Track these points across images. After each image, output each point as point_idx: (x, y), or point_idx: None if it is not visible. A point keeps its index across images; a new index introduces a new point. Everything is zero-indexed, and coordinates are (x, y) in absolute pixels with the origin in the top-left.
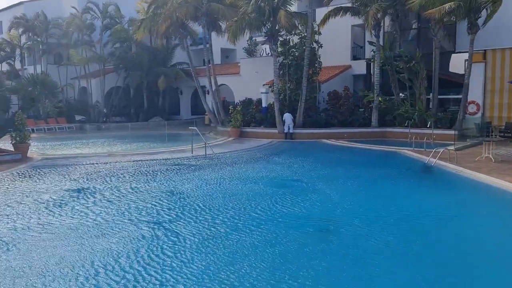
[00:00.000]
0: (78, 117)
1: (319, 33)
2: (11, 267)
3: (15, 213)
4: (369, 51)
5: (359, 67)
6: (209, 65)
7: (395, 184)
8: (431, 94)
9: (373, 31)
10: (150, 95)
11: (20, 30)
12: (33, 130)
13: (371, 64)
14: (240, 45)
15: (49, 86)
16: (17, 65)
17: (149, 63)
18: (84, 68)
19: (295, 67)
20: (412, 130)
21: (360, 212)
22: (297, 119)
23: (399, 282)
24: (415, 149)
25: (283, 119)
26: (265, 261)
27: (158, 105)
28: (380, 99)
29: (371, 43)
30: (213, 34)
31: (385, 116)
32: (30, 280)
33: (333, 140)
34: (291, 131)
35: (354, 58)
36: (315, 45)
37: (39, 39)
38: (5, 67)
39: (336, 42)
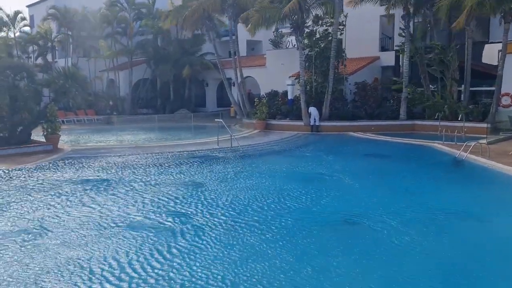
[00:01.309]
0: (106, 108)
1: (344, 25)
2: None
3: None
4: (398, 42)
5: (388, 59)
6: (235, 57)
7: (424, 179)
8: (462, 86)
9: (402, 21)
10: (177, 87)
11: (52, 23)
12: (63, 121)
13: (400, 55)
14: (266, 37)
15: (79, 79)
16: (48, 58)
17: (176, 55)
18: (112, 60)
19: (322, 58)
20: (442, 123)
21: (390, 208)
22: (323, 112)
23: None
24: (445, 142)
25: (309, 111)
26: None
27: (184, 97)
28: (409, 90)
29: (401, 33)
30: (239, 26)
31: (414, 109)
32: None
33: (360, 133)
34: (317, 123)
35: (383, 49)
36: (341, 32)
37: (69, 33)
38: (38, 60)
39: (364, 33)
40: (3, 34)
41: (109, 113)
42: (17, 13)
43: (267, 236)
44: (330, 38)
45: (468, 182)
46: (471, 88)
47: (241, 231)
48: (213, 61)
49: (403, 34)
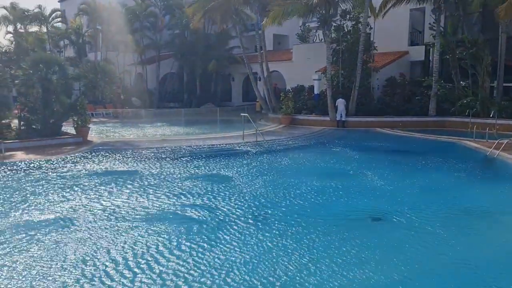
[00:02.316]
0: (134, 102)
1: (377, 16)
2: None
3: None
4: (428, 36)
5: (417, 53)
6: (261, 51)
7: (453, 176)
8: (495, 82)
9: (433, 15)
10: (203, 81)
11: (83, 18)
12: (92, 114)
13: (431, 49)
14: (293, 31)
15: (108, 73)
16: (79, 52)
17: (203, 49)
18: (140, 54)
19: (349, 53)
20: (473, 120)
21: (417, 205)
22: (349, 107)
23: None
24: (476, 139)
25: (336, 104)
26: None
27: (210, 91)
28: (438, 86)
29: (431, 27)
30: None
31: (444, 105)
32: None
33: (387, 129)
34: (343, 118)
35: (412, 43)
36: (368, 29)
37: (99, 27)
38: (68, 53)
39: (393, 27)
40: (36, 28)
41: (137, 106)
42: (53, 10)
43: (297, 230)
44: (358, 32)
45: (498, 180)
46: (504, 84)
47: (278, 225)
48: (240, 56)
49: (434, 28)
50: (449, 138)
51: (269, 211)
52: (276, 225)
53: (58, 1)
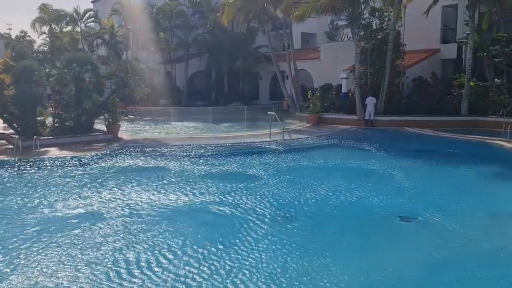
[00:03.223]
0: (162, 101)
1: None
2: None
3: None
4: (461, 33)
5: (449, 51)
6: (289, 50)
7: (486, 177)
8: None
9: (467, 12)
10: (231, 80)
11: (115, 18)
12: (123, 112)
13: (463, 47)
14: (321, 30)
15: (138, 72)
16: (111, 51)
17: (231, 48)
18: (169, 53)
19: (378, 51)
20: (508, 119)
21: (446, 207)
22: (378, 106)
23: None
24: (510, 140)
25: (365, 103)
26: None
27: (238, 90)
28: (472, 84)
29: (467, 23)
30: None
31: (477, 104)
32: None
33: (416, 128)
34: (372, 117)
35: (444, 41)
36: (398, 27)
37: (130, 27)
38: (100, 52)
39: (424, 24)
40: (69, 28)
41: (165, 104)
42: (86, 10)
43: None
44: (387, 30)
45: None
46: None
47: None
48: (267, 54)
49: (468, 25)
50: (481, 138)
51: (295, 210)
52: (303, 223)
53: (91, 1)
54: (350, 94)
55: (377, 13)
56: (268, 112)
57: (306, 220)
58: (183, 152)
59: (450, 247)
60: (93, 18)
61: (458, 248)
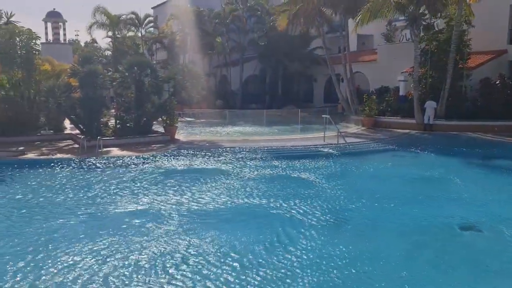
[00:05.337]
0: (218, 103)
1: (472, 14)
2: None
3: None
4: None
5: None
6: (345, 52)
7: None
8: None
9: None
10: (285, 83)
11: (173, 23)
12: (179, 114)
13: None
14: (378, 31)
15: (195, 75)
16: (168, 55)
17: (286, 51)
18: (225, 57)
19: (439, 52)
20: None
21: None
22: (438, 109)
23: None
24: None
25: (424, 106)
26: None
27: (292, 92)
28: None
29: None
30: (350, 20)
31: None
32: None
33: (480, 133)
34: (431, 122)
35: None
36: (464, 26)
37: (187, 31)
38: (159, 56)
39: (490, 24)
40: (131, 33)
41: (220, 107)
42: (146, 16)
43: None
44: (451, 30)
45: None
46: None
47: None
48: (322, 57)
49: None
50: None
51: (349, 214)
52: (356, 228)
53: (152, 8)
54: (409, 97)
55: (439, 13)
56: (323, 115)
57: (354, 224)
58: (237, 154)
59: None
60: (152, 23)
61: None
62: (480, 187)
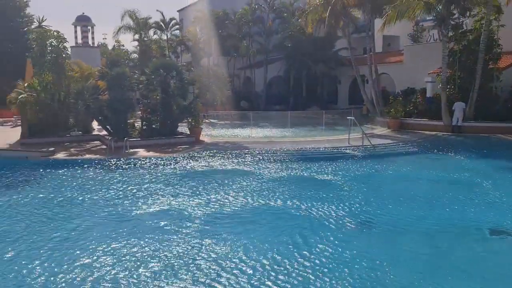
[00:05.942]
0: (243, 104)
1: (501, 12)
2: None
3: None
4: None
5: None
6: (370, 53)
7: None
8: None
9: None
10: (309, 84)
11: (198, 25)
12: (204, 116)
13: None
14: (405, 32)
15: (219, 77)
16: (193, 57)
17: (310, 52)
18: (249, 58)
19: (468, 53)
20: None
21: None
22: (467, 111)
23: None
24: None
25: (453, 108)
26: None
27: (316, 94)
28: None
29: None
30: (376, 21)
31: None
32: None
33: (510, 135)
34: (459, 123)
35: None
36: (494, 24)
37: (212, 33)
38: (184, 59)
39: None
40: (156, 36)
41: (245, 108)
42: (171, 19)
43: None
44: (480, 30)
45: None
46: None
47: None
48: (347, 58)
49: None
50: None
51: (374, 218)
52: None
53: (177, 11)
54: (437, 98)
55: (468, 12)
56: (347, 117)
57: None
58: (261, 155)
59: None
60: (177, 26)
61: None
62: (511, 191)
